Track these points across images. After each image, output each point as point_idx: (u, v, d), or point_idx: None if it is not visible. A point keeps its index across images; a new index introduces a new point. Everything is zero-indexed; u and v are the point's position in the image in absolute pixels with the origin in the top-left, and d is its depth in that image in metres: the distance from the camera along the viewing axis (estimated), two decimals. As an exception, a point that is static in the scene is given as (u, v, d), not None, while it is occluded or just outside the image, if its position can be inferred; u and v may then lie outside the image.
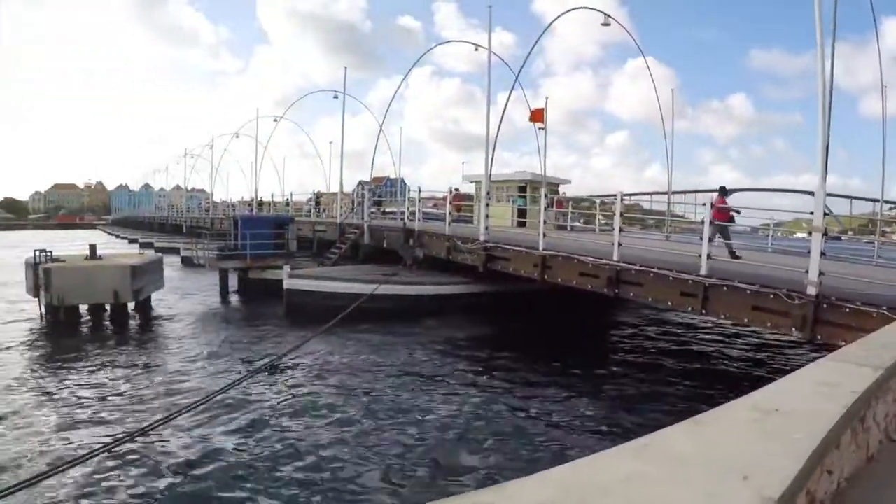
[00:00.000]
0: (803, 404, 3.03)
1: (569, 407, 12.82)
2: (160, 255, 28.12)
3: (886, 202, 19.76)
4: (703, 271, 12.94)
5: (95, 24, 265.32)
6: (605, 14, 26.60)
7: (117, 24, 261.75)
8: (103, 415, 11.80)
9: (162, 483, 8.78)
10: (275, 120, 55.24)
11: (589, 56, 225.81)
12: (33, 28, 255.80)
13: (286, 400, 12.77)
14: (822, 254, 11.04)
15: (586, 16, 27.96)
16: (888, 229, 14.87)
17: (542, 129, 31.21)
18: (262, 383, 13.72)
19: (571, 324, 20.32)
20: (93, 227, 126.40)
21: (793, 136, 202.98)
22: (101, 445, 9.40)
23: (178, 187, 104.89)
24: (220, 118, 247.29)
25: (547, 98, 31.47)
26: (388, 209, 40.14)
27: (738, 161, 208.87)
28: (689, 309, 13.78)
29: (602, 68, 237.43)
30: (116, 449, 9.41)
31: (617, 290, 15.22)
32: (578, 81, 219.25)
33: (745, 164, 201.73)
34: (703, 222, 13.83)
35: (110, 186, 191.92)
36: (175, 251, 42.53)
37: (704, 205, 14.06)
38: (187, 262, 37.99)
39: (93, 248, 23.60)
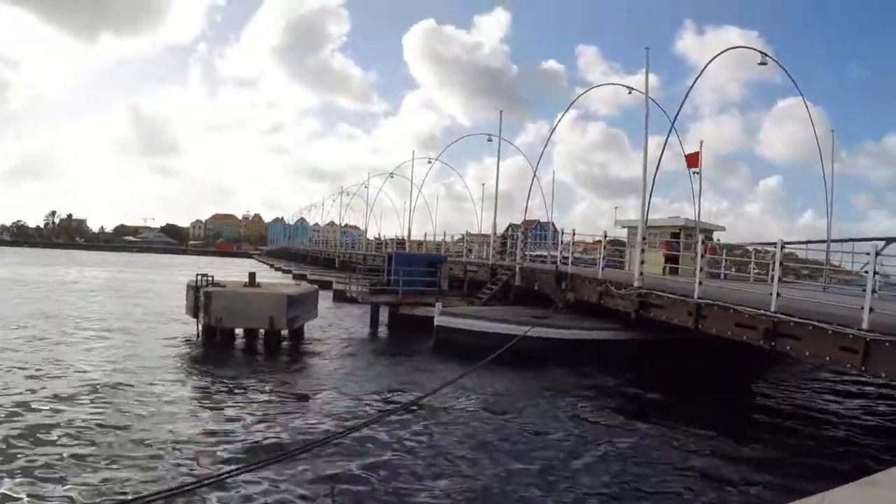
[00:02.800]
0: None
1: (713, 464, 12.61)
2: (316, 286, 29.36)
3: None
4: (864, 325, 12.42)
5: (248, 67, 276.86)
6: (763, 53, 26.30)
7: (269, 68, 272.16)
8: (245, 436, 12.55)
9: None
10: (429, 161, 57.13)
11: (736, 97, 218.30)
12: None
13: (423, 440, 12.95)
14: None
15: (732, 57, 27.81)
16: None
17: (698, 173, 30.81)
18: (403, 420, 13.98)
19: (721, 378, 19.93)
20: (248, 255, 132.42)
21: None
22: (235, 467, 10.03)
23: (332, 223, 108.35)
24: (371, 158, 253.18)
25: (702, 142, 30.95)
26: (535, 253, 40.30)
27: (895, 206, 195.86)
28: (849, 365, 13.14)
29: (749, 111, 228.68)
30: (249, 472, 9.86)
31: (773, 343, 14.82)
32: (725, 124, 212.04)
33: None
34: (865, 273, 13.45)
35: (267, 219, 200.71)
36: (327, 284, 43.87)
37: (868, 253, 13.69)
38: (339, 296, 39.20)
39: (252, 275, 25.21)
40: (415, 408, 14.66)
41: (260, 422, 13.54)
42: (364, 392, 16.88)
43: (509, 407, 16.10)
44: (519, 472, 11.42)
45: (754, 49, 27.37)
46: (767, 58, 26.41)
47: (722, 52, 27.06)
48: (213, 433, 12.52)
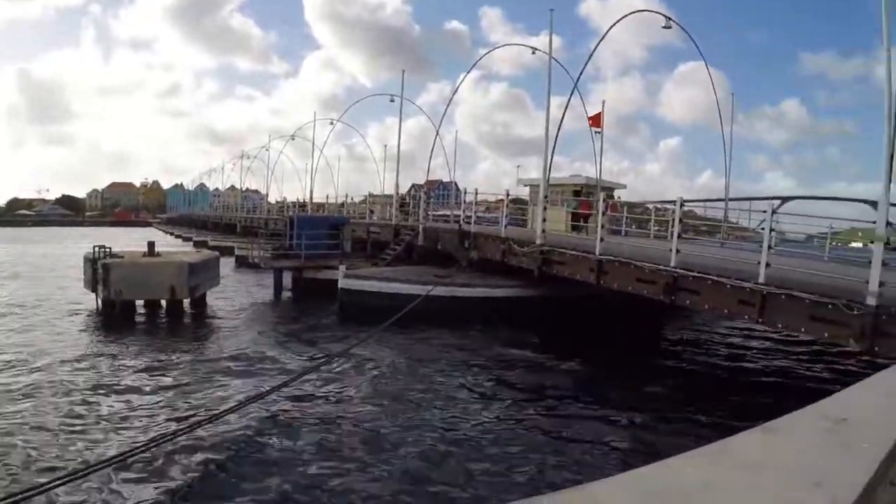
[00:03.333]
0: (872, 414, 3.09)
1: (623, 415, 12.79)
2: (217, 253, 28.57)
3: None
4: (761, 279, 12.79)
5: (144, 29, 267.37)
6: (667, 17, 26.57)
7: (164, 28, 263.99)
8: (152, 409, 12.08)
9: (197, 480, 9.01)
10: (331, 123, 56.19)
11: (637, 60, 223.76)
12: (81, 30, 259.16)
13: (328, 402, 12.95)
14: (884, 263, 10.91)
15: (634, 20, 28.05)
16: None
17: (599, 132, 31.08)
18: (309, 384, 13.86)
19: (625, 330, 20.19)
20: (148, 224, 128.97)
21: (846, 144, 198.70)
22: (144, 441, 9.67)
23: (232, 188, 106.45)
24: (272, 120, 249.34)
25: (604, 102, 31.34)
26: (438, 212, 40.27)
27: (791, 168, 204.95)
28: (747, 317, 13.66)
29: (651, 73, 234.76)
30: (160, 445, 9.56)
31: (673, 297, 15.13)
32: (627, 86, 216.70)
33: (799, 172, 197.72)
34: (762, 230, 13.76)
35: (166, 185, 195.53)
36: (229, 250, 43.01)
37: (765, 211, 13.94)
38: (241, 262, 38.62)
39: (151, 244, 24.18)
40: (313, 375, 14.25)
41: (164, 395, 13.00)
42: (269, 358, 16.43)
43: (413, 367, 16.03)
44: (423, 432, 11.28)
45: (659, 13, 27.70)
46: (672, 22, 26.64)
47: (626, 16, 27.27)
48: (112, 413, 11.79)
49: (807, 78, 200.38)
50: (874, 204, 12.15)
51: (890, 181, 11.09)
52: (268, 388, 12.54)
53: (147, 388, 13.44)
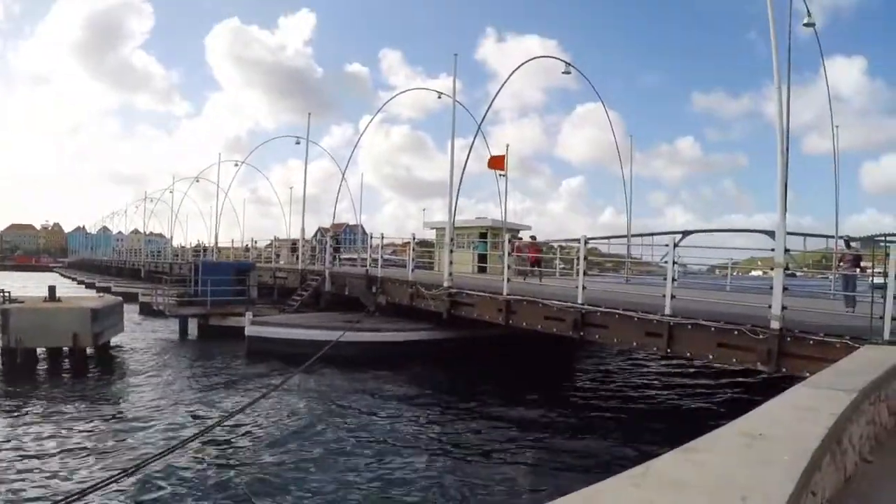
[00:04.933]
0: (787, 428, 3.20)
1: (539, 447, 12.91)
2: (120, 298, 27.62)
3: (841, 238, 20.39)
4: (667, 311, 13.19)
5: (43, 65, 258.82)
6: (566, 62, 27.36)
7: (66, 64, 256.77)
8: (57, 467, 11.44)
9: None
10: (235, 165, 55.25)
11: (535, 103, 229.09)
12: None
13: (245, 451, 12.62)
14: (784, 288, 11.40)
15: (531, 64, 28.76)
16: (843, 263, 15.38)
17: (503, 175, 31.55)
18: (223, 435, 13.40)
19: (537, 368, 20.36)
20: (49, 269, 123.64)
21: (739, 177, 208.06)
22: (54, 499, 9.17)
23: (136, 231, 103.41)
24: (174, 161, 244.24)
25: (508, 145, 31.76)
26: (345, 256, 40.09)
27: (689, 203, 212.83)
28: (655, 349, 14.00)
29: (549, 114, 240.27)
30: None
31: (582, 333, 15.38)
32: (527, 128, 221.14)
33: (697, 206, 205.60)
34: (665, 263, 14.18)
35: (67, 228, 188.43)
36: (134, 297, 41.56)
37: (667, 245, 14.34)
38: (146, 308, 37.27)
39: (52, 289, 23.13)
40: (221, 427, 13.66)
41: (68, 451, 12.28)
42: (175, 411, 15.80)
43: (321, 413, 15.68)
44: (332, 475, 11.08)
45: (558, 58, 28.48)
46: (570, 67, 27.40)
47: (528, 61, 27.96)
48: (17, 468, 11.18)
49: (699, 116, 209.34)
50: (771, 234, 12.69)
51: (785, 210, 11.62)
52: (178, 441, 12.03)
53: (56, 442, 12.81)
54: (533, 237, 27.86)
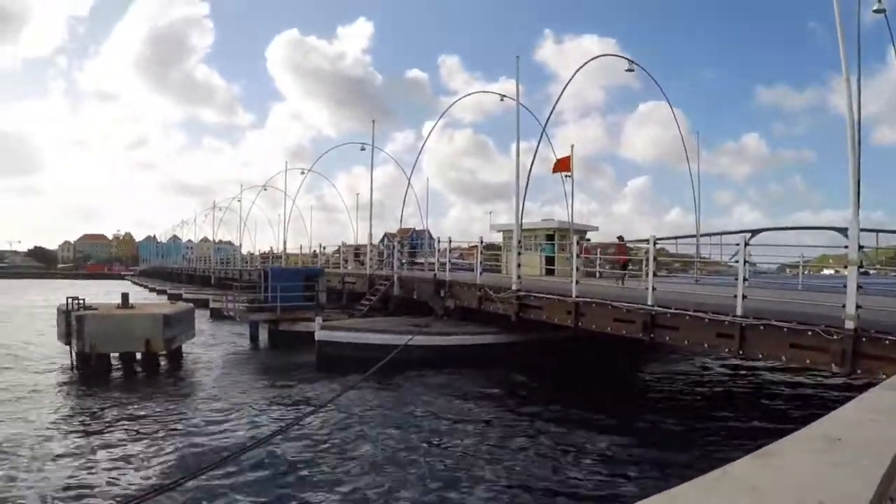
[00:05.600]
0: (865, 432, 3.13)
1: (611, 452, 12.78)
2: (192, 305, 28.16)
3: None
4: (738, 311, 12.94)
5: (109, 82, 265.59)
6: (630, 60, 27.17)
7: (131, 80, 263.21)
8: (130, 468, 11.75)
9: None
10: (302, 173, 56.14)
11: (597, 103, 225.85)
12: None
13: (315, 455, 12.65)
14: (859, 287, 11.11)
15: (592, 64, 28.64)
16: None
17: (569, 176, 31.35)
18: (293, 438, 13.52)
19: (605, 370, 20.23)
20: (121, 277, 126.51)
21: (807, 173, 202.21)
22: (142, 492, 9.45)
23: (205, 239, 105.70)
24: (240, 171, 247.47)
25: (573, 146, 31.53)
26: (416, 260, 40.33)
27: (757, 201, 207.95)
28: (727, 350, 13.71)
29: (611, 114, 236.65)
30: (161, 494, 9.31)
31: (653, 335, 15.19)
32: (589, 128, 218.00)
33: (765, 204, 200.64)
34: (735, 263, 13.96)
35: (138, 238, 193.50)
36: (204, 303, 42.42)
37: (737, 244, 14.13)
38: (216, 314, 38.07)
39: (125, 296, 23.87)
40: (298, 426, 13.98)
41: (146, 452, 12.62)
42: (250, 412, 16.16)
43: (398, 415, 15.83)
44: (418, 478, 11.16)
45: (622, 56, 28.26)
46: (634, 64, 27.17)
47: (591, 60, 27.89)
48: (95, 471, 11.48)
49: (764, 111, 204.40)
50: (843, 231, 12.40)
51: (858, 206, 11.35)
52: (253, 441, 12.30)
53: (131, 445, 13.12)
54: (620, 237, 27.56)
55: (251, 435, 13.47)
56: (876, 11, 19.71)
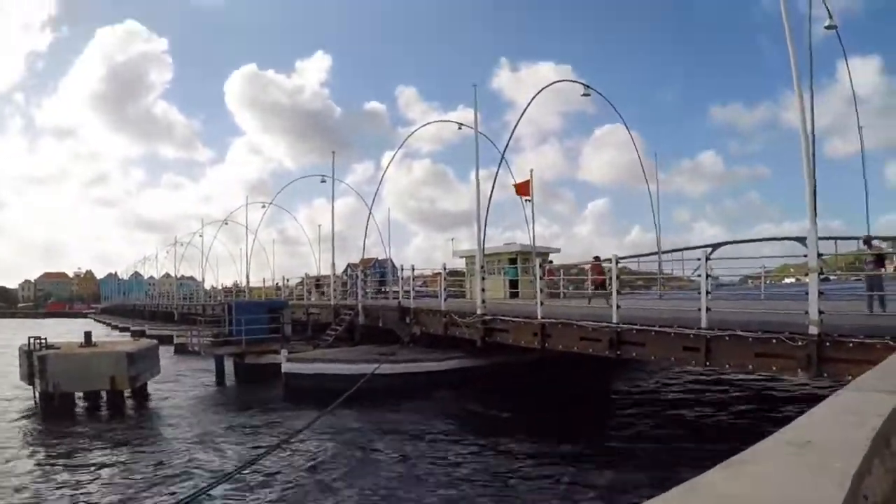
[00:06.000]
0: (834, 434, 3.17)
1: (583, 470, 12.88)
2: (156, 341, 27.84)
3: (874, 238, 20.20)
4: (703, 324, 13.12)
5: (67, 119, 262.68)
6: (585, 85, 27.46)
7: (89, 117, 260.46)
8: None
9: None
10: (263, 206, 55.90)
11: (553, 128, 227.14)
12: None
13: (285, 487, 12.61)
14: (820, 293, 11.35)
15: (548, 90, 28.86)
16: (866, 264, 15.24)
17: (529, 200, 31.58)
18: (262, 471, 13.40)
19: (574, 389, 20.25)
20: (83, 315, 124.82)
21: (764, 187, 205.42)
22: None
23: (167, 275, 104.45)
24: (201, 206, 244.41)
25: (532, 170, 31.78)
26: (386, 289, 40.22)
27: (715, 217, 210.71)
28: (693, 363, 13.91)
29: (567, 139, 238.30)
30: None
31: (619, 352, 15.30)
32: (547, 154, 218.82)
33: (723, 220, 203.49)
34: (698, 277, 14.15)
35: (100, 275, 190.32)
36: (168, 339, 41.96)
37: (698, 259, 14.33)
38: (181, 350, 37.63)
39: (87, 334, 23.53)
40: (265, 460, 13.80)
41: (110, 492, 12.43)
42: (218, 448, 16.02)
43: (365, 446, 15.72)
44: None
45: (578, 81, 28.70)
46: (590, 89, 27.53)
47: (549, 86, 28.10)
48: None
49: (718, 129, 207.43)
50: (802, 240, 12.64)
51: (816, 216, 11.57)
52: (221, 476, 12.16)
53: (92, 485, 12.91)
54: (597, 257, 27.74)
55: (209, 476, 13.16)
56: (827, 28, 20.24)
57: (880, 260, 15.14)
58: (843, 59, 23.99)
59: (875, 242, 16.35)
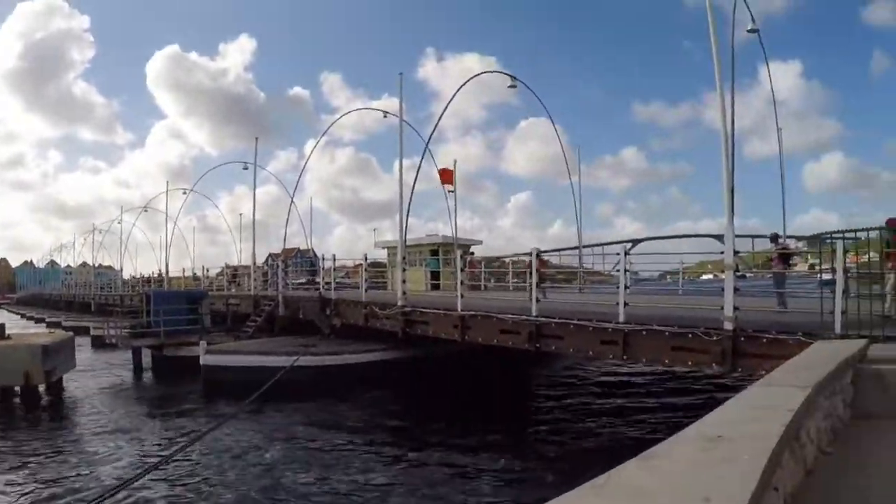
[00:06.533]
0: (745, 428, 3.18)
1: (503, 462, 12.91)
2: (72, 333, 26.97)
3: (789, 237, 20.78)
4: (621, 318, 13.27)
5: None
6: (512, 77, 27.62)
7: (4, 95, 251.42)
8: None
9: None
10: (184, 193, 54.97)
11: (477, 120, 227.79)
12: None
13: (198, 485, 12.34)
14: (736, 289, 11.57)
15: (473, 82, 29.07)
16: (792, 262, 15.64)
17: (452, 191, 31.65)
18: (178, 468, 13.14)
19: (496, 381, 20.33)
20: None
21: (685, 185, 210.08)
22: None
23: (84, 264, 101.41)
24: (120, 192, 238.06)
25: (455, 161, 31.87)
26: (297, 281, 39.72)
27: (637, 212, 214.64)
28: (611, 356, 14.14)
29: (491, 131, 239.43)
30: None
31: (538, 345, 15.41)
32: (471, 145, 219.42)
33: (645, 215, 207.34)
34: (618, 272, 14.31)
35: (14, 263, 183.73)
36: (85, 330, 40.57)
37: (618, 254, 14.48)
38: (98, 342, 36.39)
39: (1, 326, 22.57)
40: (177, 458, 13.47)
41: (22, 491, 12.01)
42: (133, 444, 15.57)
43: (279, 441, 15.50)
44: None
45: (505, 73, 28.77)
46: (516, 81, 27.66)
47: (475, 76, 28.22)
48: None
49: (641, 127, 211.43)
50: (720, 237, 12.90)
51: (733, 213, 11.80)
52: (132, 475, 11.84)
53: (2, 486, 12.39)
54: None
55: (126, 472, 12.83)
56: (750, 31, 20.75)
57: (786, 258, 15.54)
58: (765, 62, 24.58)
59: (782, 241, 16.83)
